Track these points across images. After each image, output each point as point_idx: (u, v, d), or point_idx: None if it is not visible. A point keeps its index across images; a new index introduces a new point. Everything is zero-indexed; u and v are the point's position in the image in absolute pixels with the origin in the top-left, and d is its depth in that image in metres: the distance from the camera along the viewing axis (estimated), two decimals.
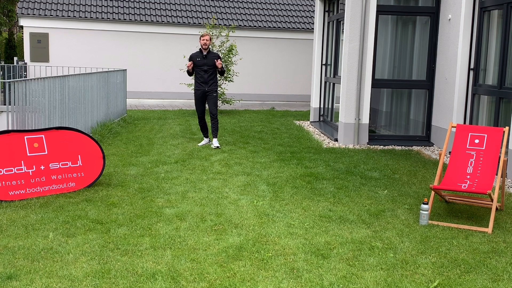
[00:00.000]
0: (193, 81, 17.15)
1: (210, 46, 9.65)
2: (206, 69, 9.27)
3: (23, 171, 6.08)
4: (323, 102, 13.36)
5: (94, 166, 6.59)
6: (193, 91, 16.90)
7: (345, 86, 10.11)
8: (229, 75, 15.68)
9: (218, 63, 9.18)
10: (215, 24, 16.62)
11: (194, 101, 9.71)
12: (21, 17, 18.41)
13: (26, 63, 18.25)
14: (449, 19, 9.59)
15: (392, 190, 6.78)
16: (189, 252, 4.53)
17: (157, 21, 19.11)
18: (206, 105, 9.63)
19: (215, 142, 9.41)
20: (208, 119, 12.38)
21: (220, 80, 14.68)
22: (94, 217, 5.41)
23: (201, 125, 9.72)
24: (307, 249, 4.66)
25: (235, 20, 19.94)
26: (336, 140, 10.44)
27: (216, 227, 5.17)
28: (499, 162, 5.72)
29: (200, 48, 9.36)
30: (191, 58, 9.37)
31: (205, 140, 9.74)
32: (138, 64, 19.12)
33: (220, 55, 9.75)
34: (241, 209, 5.78)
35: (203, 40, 9.20)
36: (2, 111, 10.49)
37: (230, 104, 16.46)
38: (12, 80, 7.19)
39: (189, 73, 9.41)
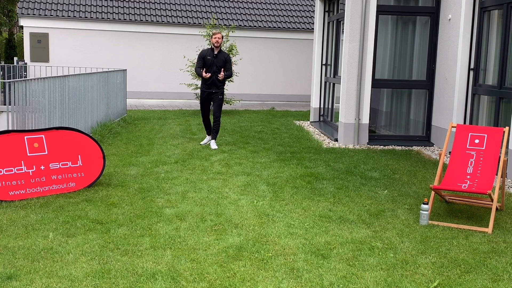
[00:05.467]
0: (193, 81, 17.24)
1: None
2: (215, 70, 9.17)
3: (23, 171, 6.08)
4: (323, 102, 13.36)
5: (94, 166, 6.59)
6: (193, 91, 17.06)
7: (345, 86, 10.11)
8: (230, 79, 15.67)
9: (220, 75, 9.10)
10: (215, 24, 16.62)
11: (199, 100, 9.61)
12: (21, 17, 18.41)
13: (26, 63, 18.25)
14: (449, 19, 9.59)
15: (392, 190, 6.78)
16: (189, 252, 4.53)
17: (157, 21, 19.11)
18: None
19: (213, 144, 9.41)
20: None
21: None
22: (94, 217, 5.41)
23: (205, 124, 9.70)
24: (307, 249, 4.66)
25: (235, 20, 19.94)
26: (336, 140, 10.44)
27: (216, 227, 5.17)
28: (499, 162, 5.72)
29: (211, 47, 9.26)
30: (201, 54, 9.24)
31: (207, 138, 9.73)
32: (138, 64, 19.13)
33: (230, 55, 9.57)
34: (241, 209, 5.78)
35: (215, 38, 9.08)
36: (2, 111, 10.49)
37: (230, 104, 16.46)
38: (12, 80, 7.19)
39: (200, 75, 9.18)
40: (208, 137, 9.76)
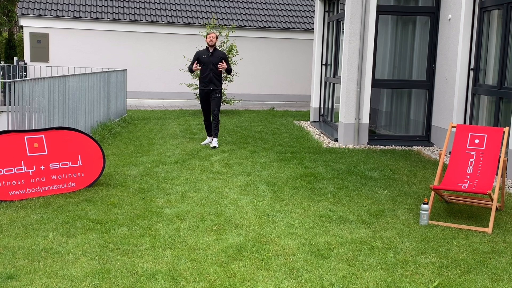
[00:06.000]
0: (193, 81, 17.24)
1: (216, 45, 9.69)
2: (211, 67, 9.31)
3: (23, 171, 6.08)
4: (323, 102, 13.36)
5: (94, 166, 6.59)
6: (193, 91, 17.06)
7: (345, 86, 10.11)
8: (229, 75, 15.68)
9: (220, 66, 9.27)
10: (215, 24, 16.62)
11: (199, 101, 9.70)
12: (21, 17, 18.41)
13: (26, 63, 18.25)
14: (449, 19, 9.59)
15: (392, 190, 6.78)
16: (189, 252, 4.53)
17: (157, 21, 19.11)
18: None
19: (214, 142, 9.45)
20: None
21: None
22: (94, 217, 5.41)
23: (206, 124, 9.78)
24: (307, 249, 4.66)
25: (235, 20, 19.94)
26: (336, 140, 10.44)
27: (216, 227, 5.17)
28: (499, 162, 5.72)
29: (206, 46, 9.48)
30: (196, 55, 9.46)
31: (208, 139, 9.77)
32: (138, 64, 19.13)
33: (226, 53, 9.79)
34: (241, 209, 5.78)
35: (209, 37, 9.31)
36: (2, 111, 10.49)
37: (230, 104, 16.46)
38: (12, 80, 7.19)
39: (191, 70, 9.48)
40: (209, 138, 9.79)
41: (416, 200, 6.30)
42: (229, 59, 15.02)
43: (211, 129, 9.73)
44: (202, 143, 9.71)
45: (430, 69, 10.32)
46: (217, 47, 9.68)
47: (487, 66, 8.81)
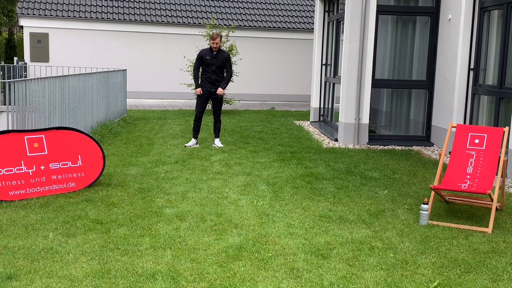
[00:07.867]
0: (192, 81, 17.21)
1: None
2: (214, 69, 9.16)
3: (23, 171, 6.08)
4: (323, 102, 13.36)
5: (94, 166, 6.59)
6: (192, 91, 17.04)
7: (345, 86, 10.11)
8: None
9: (219, 91, 9.15)
10: (215, 24, 16.62)
11: (196, 99, 9.42)
12: (21, 17, 18.41)
13: (26, 63, 18.25)
14: (449, 19, 9.59)
15: (392, 190, 6.78)
16: (189, 252, 4.53)
17: (157, 21, 19.11)
18: (208, 106, 9.57)
19: (218, 143, 9.45)
20: (207, 120, 12.34)
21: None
22: (94, 217, 5.41)
23: (196, 125, 9.46)
24: (307, 249, 4.66)
25: (235, 20, 19.94)
26: (336, 140, 10.44)
27: (216, 227, 5.17)
28: (499, 162, 5.72)
29: (210, 46, 9.20)
30: (200, 54, 9.21)
31: (193, 141, 9.49)
32: (138, 64, 19.13)
33: (230, 56, 9.51)
34: (241, 209, 5.78)
35: (213, 44, 8.99)
36: (2, 111, 10.49)
37: (230, 104, 16.46)
38: (12, 80, 7.19)
39: (196, 76, 9.35)
40: (193, 140, 9.49)
41: (416, 200, 6.30)
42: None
43: (198, 132, 9.50)
44: (186, 145, 9.39)
45: (430, 69, 10.32)
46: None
47: (487, 66, 8.81)
